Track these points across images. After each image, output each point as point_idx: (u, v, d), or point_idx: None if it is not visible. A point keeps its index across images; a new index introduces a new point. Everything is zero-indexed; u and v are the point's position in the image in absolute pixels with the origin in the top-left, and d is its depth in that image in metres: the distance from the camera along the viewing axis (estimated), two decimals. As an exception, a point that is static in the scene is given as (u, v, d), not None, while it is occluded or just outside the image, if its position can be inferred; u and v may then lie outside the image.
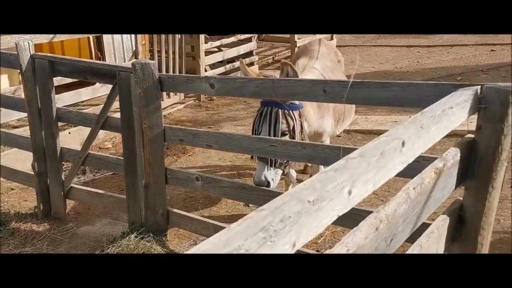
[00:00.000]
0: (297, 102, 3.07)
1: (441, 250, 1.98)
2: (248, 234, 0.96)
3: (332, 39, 10.37)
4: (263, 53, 11.13)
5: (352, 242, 1.33)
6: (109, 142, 6.10)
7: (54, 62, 3.69)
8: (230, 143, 2.97)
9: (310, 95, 2.60)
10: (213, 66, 8.36)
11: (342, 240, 1.33)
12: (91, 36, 7.24)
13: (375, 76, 9.00)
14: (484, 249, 2.07)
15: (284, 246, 1.04)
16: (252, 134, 3.09)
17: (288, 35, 9.88)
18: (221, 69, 8.30)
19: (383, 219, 1.46)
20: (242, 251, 0.94)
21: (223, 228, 3.48)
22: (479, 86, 1.97)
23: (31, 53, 3.67)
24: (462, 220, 2.07)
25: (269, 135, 2.97)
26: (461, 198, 2.10)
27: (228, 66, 8.56)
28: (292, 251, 1.07)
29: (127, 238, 3.51)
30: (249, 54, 9.01)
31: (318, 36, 7.57)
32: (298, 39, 9.47)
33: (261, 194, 2.98)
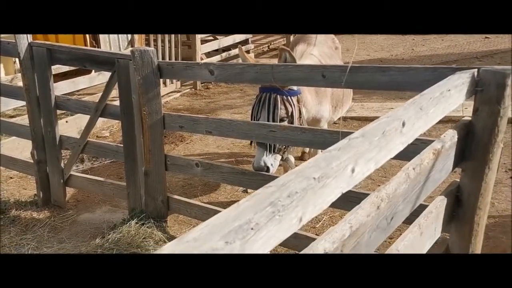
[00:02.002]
0: (295, 88, 3.10)
1: (439, 230, 2.03)
2: (257, 209, 1.00)
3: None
4: (259, 42, 11.12)
5: (355, 220, 1.37)
6: (106, 130, 6.11)
7: (52, 50, 3.69)
8: (230, 129, 3.00)
9: (309, 80, 2.63)
10: (208, 54, 8.35)
11: (344, 218, 1.37)
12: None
13: (370, 64, 9.02)
14: (481, 228, 2.12)
15: (292, 220, 1.08)
16: (251, 120, 3.12)
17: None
18: (217, 58, 8.30)
19: (384, 198, 1.50)
20: (252, 225, 0.97)
21: (223, 213, 3.49)
22: (476, 69, 2.01)
23: (29, 41, 3.67)
24: (459, 201, 2.12)
25: (268, 121, 3.00)
26: (458, 180, 2.15)
27: (224, 55, 8.56)
28: (299, 226, 1.11)
29: (127, 224, 3.55)
30: (245, 42, 9.01)
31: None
32: (294, 27, 9.45)
33: (260, 179, 3.01)
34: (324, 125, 3.71)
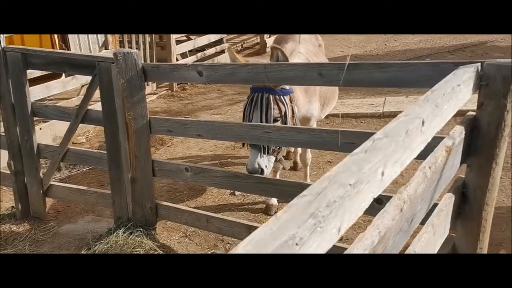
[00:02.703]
0: (287, 87, 3.03)
1: (447, 228, 2.00)
2: (299, 222, 0.92)
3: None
4: (232, 41, 11.03)
5: (382, 225, 1.31)
6: (82, 136, 5.90)
7: (27, 54, 3.50)
8: (222, 132, 2.90)
9: (305, 79, 2.55)
10: (182, 55, 8.20)
11: (372, 223, 1.31)
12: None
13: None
14: (488, 225, 2.10)
15: (332, 231, 1.01)
16: (243, 121, 3.03)
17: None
18: (192, 58, 8.15)
19: (406, 199, 1.44)
20: (296, 240, 0.90)
21: (216, 218, 3.39)
22: (479, 63, 1.99)
23: (2, 45, 3.47)
24: (465, 197, 2.10)
25: (261, 121, 2.92)
26: (463, 176, 2.13)
27: (199, 55, 8.42)
28: (338, 236, 1.04)
29: (114, 234, 3.40)
30: (220, 42, 8.89)
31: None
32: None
33: (255, 182, 2.93)
34: (314, 124, 3.66)
